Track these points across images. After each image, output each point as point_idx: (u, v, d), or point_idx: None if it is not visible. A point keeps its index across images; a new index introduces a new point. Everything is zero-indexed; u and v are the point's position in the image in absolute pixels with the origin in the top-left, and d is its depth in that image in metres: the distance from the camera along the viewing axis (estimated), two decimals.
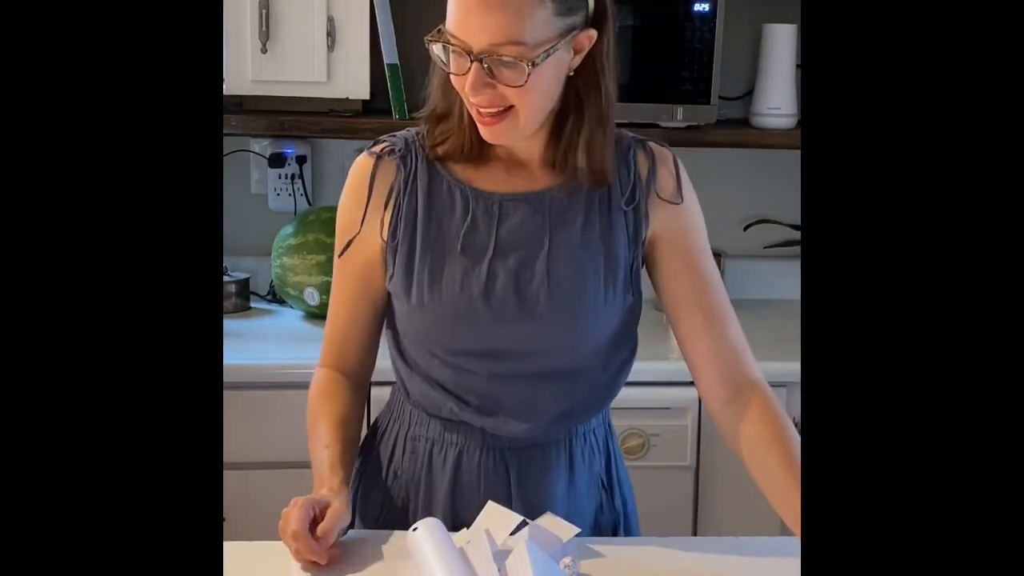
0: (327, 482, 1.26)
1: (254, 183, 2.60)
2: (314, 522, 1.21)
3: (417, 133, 1.34)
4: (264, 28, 2.24)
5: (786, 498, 1.21)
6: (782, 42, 2.45)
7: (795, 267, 2.51)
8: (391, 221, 1.30)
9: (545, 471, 1.34)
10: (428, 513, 1.33)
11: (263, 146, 2.56)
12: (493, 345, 1.28)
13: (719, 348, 1.31)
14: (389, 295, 1.36)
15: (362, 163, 1.34)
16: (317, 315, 2.43)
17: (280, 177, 2.58)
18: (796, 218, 2.63)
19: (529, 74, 1.16)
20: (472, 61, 1.17)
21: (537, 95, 1.20)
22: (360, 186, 1.33)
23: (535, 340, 1.28)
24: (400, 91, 2.32)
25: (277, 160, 2.52)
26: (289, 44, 2.26)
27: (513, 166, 1.31)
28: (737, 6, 2.39)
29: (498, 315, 1.27)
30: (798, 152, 2.18)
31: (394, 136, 1.34)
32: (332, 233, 2.34)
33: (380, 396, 2.09)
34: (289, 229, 2.42)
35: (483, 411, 1.32)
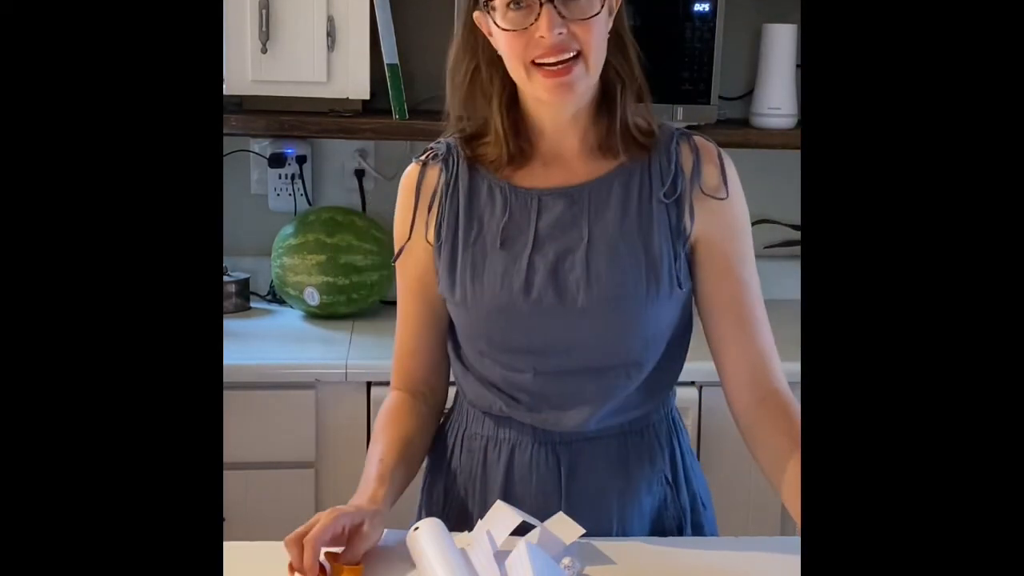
0: (370, 490, 1.26)
1: (254, 183, 2.60)
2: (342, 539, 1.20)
3: (459, 138, 1.36)
4: (264, 28, 2.24)
5: (793, 496, 1.22)
6: (782, 42, 2.45)
7: (795, 267, 2.51)
8: (436, 223, 1.34)
9: (597, 466, 1.35)
10: (484, 509, 1.33)
11: (263, 146, 2.55)
12: (536, 340, 1.30)
13: (747, 355, 1.32)
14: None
15: (409, 172, 1.38)
16: (317, 315, 2.43)
17: (280, 177, 2.58)
18: (796, 218, 2.63)
19: (603, 1, 1.22)
20: (542, 5, 1.20)
21: (600, 34, 1.24)
22: (408, 194, 1.36)
23: (576, 333, 1.29)
24: (400, 91, 2.32)
25: (277, 160, 2.52)
26: (289, 44, 2.26)
27: (551, 161, 1.32)
28: (737, 6, 2.39)
29: (538, 308, 1.28)
30: (798, 152, 2.18)
31: (439, 142, 1.38)
32: (332, 233, 2.38)
33: (381, 396, 2.10)
34: (289, 229, 2.42)
35: (532, 408, 1.33)
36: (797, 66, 2.46)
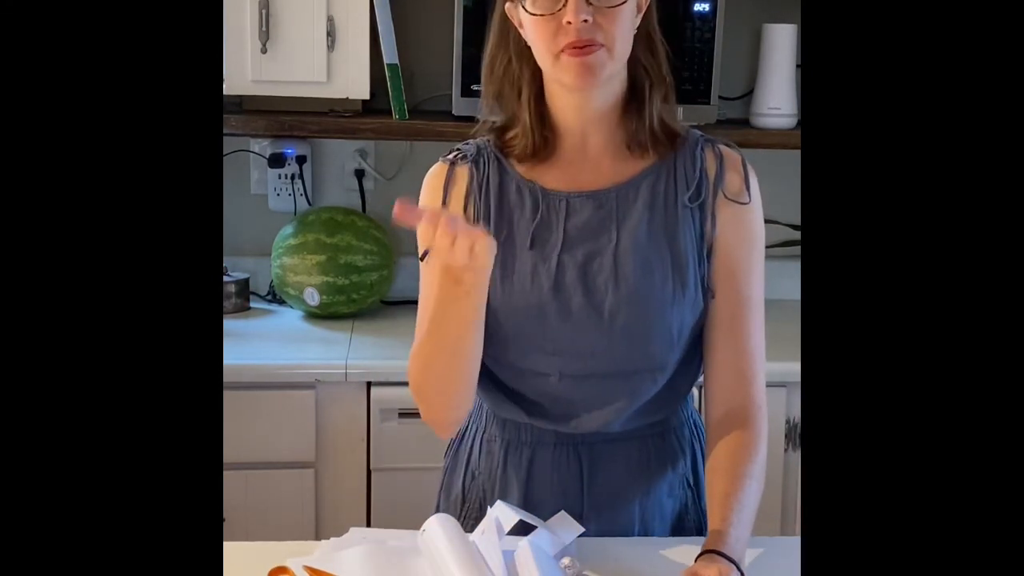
0: None
1: (254, 183, 2.60)
2: None
3: (488, 140, 1.37)
4: (264, 28, 2.24)
5: (711, 509, 1.25)
6: (782, 42, 2.45)
7: (795, 267, 2.51)
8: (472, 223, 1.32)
9: (617, 467, 1.36)
10: None
11: (263, 146, 2.55)
12: (563, 341, 1.30)
13: (728, 368, 1.32)
14: None
15: (437, 171, 1.37)
16: (317, 315, 2.43)
17: (280, 177, 2.57)
18: (796, 218, 2.63)
19: None
20: None
21: (625, 25, 1.25)
22: (435, 192, 1.36)
23: (603, 334, 1.29)
24: (400, 91, 2.32)
25: (277, 160, 2.52)
26: (289, 44, 2.26)
27: (578, 162, 1.33)
28: (737, 6, 2.39)
29: (566, 308, 1.29)
30: (798, 152, 2.18)
31: (467, 143, 1.38)
32: (332, 233, 2.38)
33: (381, 396, 2.11)
34: (289, 229, 2.42)
35: (555, 415, 1.34)
36: (797, 66, 2.46)
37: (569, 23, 1.21)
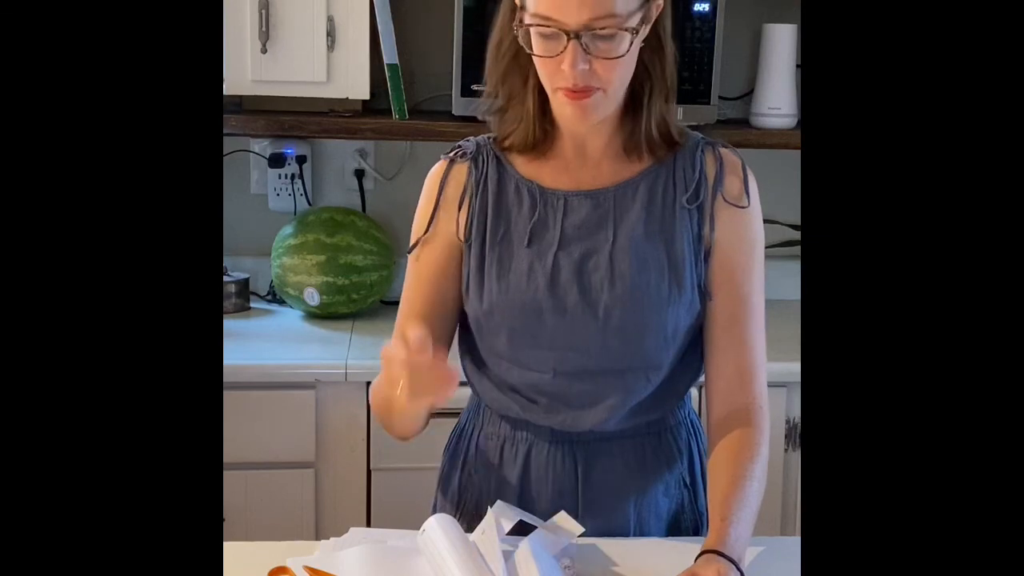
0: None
1: (254, 183, 2.60)
2: None
3: (489, 137, 1.37)
4: (264, 28, 2.24)
5: (712, 508, 1.25)
6: (782, 42, 2.45)
7: (795, 267, 2.51)
8: (467, 222, 1.34)
9: (613, 466, 1.37)
10: None
11: (263, 146, 2.55)
12: (559, 338, 1.31)
13: (729, 368, 1.32)
14: (456, 308, 1.37)
15: (436, 168, 1.38)
16: (317, 315, 2.43)
17: (280, 177, 2.57)
18: (796, 218, 2.63)
19: (631, 42, 1.22)
20: (569, 40, 1.20)
21: (625, 68, 1.24)
22: (432, 189, 1.37)
23: (598, 332, 1.30)
24: (400, 91, 2.32)
25: (277, 160, 2.52)
26: (289, 44, 2.26)
27: (577, 161, 1.34)
28: (737, 6, 2.39)
29: (562, 305, 1.30)
30: (798, 152, 2.18)
31: (468, 141, 1.39)
32: (332, 233, 2.38)
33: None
34: (289, 229, 2.42)
35: (549, 410, 1.35)
36: (797, 66, 2.46)
37: (565, 71, 1.21)
